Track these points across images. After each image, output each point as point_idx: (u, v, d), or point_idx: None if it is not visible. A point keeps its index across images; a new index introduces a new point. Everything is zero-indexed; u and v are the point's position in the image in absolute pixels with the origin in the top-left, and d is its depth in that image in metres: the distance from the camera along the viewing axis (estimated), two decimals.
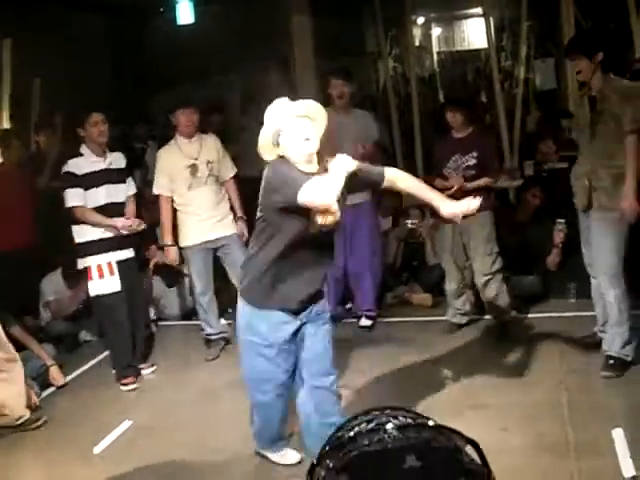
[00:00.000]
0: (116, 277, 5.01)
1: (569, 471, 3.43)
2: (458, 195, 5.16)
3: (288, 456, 3.79)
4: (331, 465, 0.93)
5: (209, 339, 5.64)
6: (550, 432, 3.82)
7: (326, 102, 6.06)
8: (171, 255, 5.44)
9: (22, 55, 7.04)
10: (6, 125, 6.76)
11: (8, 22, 6.89)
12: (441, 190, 5.32)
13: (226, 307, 5.90)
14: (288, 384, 3.54)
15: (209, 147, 5.43)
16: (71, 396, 5.08)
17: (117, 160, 5.19)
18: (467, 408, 4.21)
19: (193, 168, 5.34)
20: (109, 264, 5.01)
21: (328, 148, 3.32)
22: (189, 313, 6.45)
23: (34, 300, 6.17)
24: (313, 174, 3.15)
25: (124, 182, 5.20)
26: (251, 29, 8.42)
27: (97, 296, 5.07)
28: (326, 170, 3.16)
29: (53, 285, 6.19)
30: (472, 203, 3.30)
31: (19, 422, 4.49)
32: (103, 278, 5.00)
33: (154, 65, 9.04)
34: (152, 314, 6.41)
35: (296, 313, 3.38)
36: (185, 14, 7.79)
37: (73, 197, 4.96)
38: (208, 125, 6.23)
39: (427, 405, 4.23)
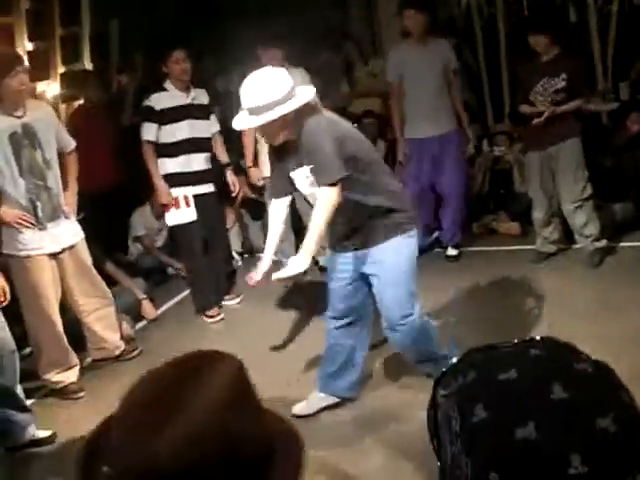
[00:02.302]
0: (192, 208, 5.09)
1: None
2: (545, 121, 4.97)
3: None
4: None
5: None
6: None
7: (403, 35, 5.88)
8: None
9: None
10: (87, 66, 6.86)
11: None
12: (528, 117, 5.17)
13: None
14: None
15: None
16: (162, 329, 5.25)
17: (200, 96, 5.21)
18: None
19: None
20: (185, 197, 5.08)
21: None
22: None
23: (124, 236, 6.34)
24: None
25: (208, 118, 5.23)
26: None
27: (174, 226, 5.21)
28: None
29: (143, 220, 6.33)
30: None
31: (117, 353, 4.71)
32: (179, 209, 5.09)
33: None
34: (238, 246, 6.51)
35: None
36: None
37: (146, 131, 5.03)
38: None
39: (513, 336, 4.15)
